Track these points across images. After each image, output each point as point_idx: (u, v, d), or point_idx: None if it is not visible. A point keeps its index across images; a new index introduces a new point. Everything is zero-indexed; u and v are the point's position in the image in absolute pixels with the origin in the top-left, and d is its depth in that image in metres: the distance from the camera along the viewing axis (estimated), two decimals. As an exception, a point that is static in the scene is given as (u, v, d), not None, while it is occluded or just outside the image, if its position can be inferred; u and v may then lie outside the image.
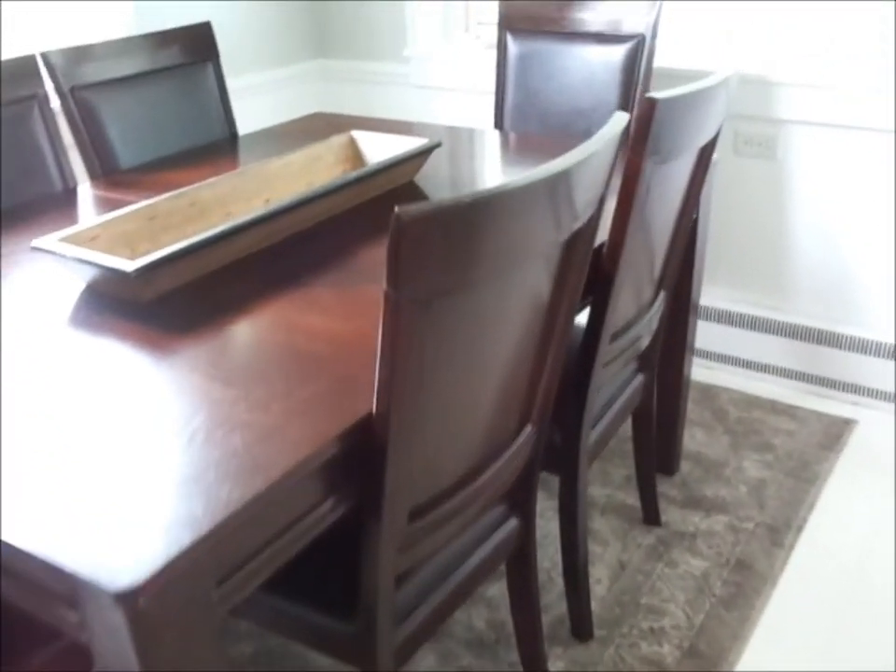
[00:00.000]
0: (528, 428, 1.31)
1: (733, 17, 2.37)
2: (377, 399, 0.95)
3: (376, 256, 1.45)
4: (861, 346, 2.41)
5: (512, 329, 1.10)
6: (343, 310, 1.26)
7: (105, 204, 1.76)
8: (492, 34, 2.73)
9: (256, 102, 2.72)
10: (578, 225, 1.08)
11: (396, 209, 0.82)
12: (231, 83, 2.35)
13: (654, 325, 1.73)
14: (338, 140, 1.82)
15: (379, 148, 1.83)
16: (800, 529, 2.01)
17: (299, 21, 2.93)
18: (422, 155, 1.75)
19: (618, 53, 2.25)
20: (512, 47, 2.40)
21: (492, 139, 2.20)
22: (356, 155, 1.84)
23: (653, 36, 2.21)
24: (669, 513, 2.06)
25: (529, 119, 2.40)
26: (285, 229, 1.49)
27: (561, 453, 1.55)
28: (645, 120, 1.26)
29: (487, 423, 1.18)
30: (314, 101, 3.02)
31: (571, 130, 2.33)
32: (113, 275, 1.23)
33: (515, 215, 0.94)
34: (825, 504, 2.08)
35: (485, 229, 0.90)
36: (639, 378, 1.81)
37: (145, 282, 1.24)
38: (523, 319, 1.11)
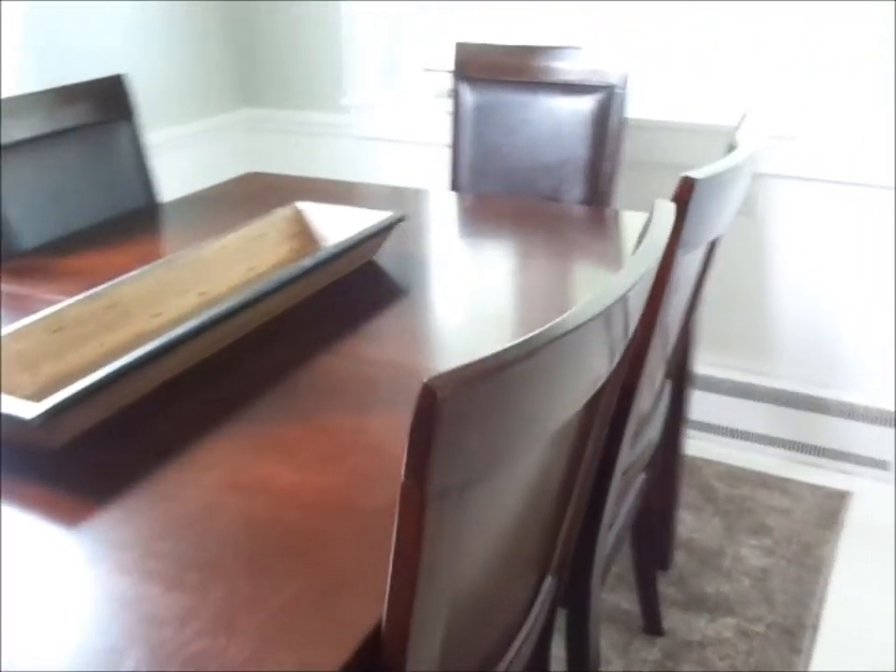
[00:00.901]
0: (548, 580, 1.06)
1: (707, 66, 2.19)
2: (389, 618, 0.68)
3: (343, 366, 1.18)
4: (852, 412, 2.23)
5: (544, 490, 0.84)
6: (313, 452, 0.99)
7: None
8: (442, 80, 2.50)
9: (175, 158, 2.43)
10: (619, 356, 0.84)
11: (424, 381, 0.57)
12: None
13: (663, 418, 1.50)
14: (282, 214, 1.55)
15: (330, 222, 1.57)
16: (815, 629, 1.79)
17: (221, 66, 2.66)
18: (385, 232, 1.50)
19: (587, 104, 2.04)
20: (469, 97, 2.17)
21: (449, 202, 1.96)
22: (303, 231, 1.58)
23: (625, 86, 2.00)
24: (671, 618, 1.83)
25: (489, 177, 2.17)
26: (227, 336, 1.21)
27: (568, 588, 1.30)
28: (681, 204, 1.03)
29: (508, 594, 0.92)
30: (241, 154, 2.74)
31: (537, 188, 2.11)
32: (8, 422, 0.94)
33: (569, 362, 0.69)
34: (835, 595, 1.88)
35: (534, 387, 0.65)
36: (642, 478, 1.58)
37: (51, 428, 0.95)
38: (555, 476, 0.86)
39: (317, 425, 1.04)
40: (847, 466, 2.28)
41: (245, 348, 1.23)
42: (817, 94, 2.06)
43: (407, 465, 0.60)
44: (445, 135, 2.36)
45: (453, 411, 0.58)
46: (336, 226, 1.56)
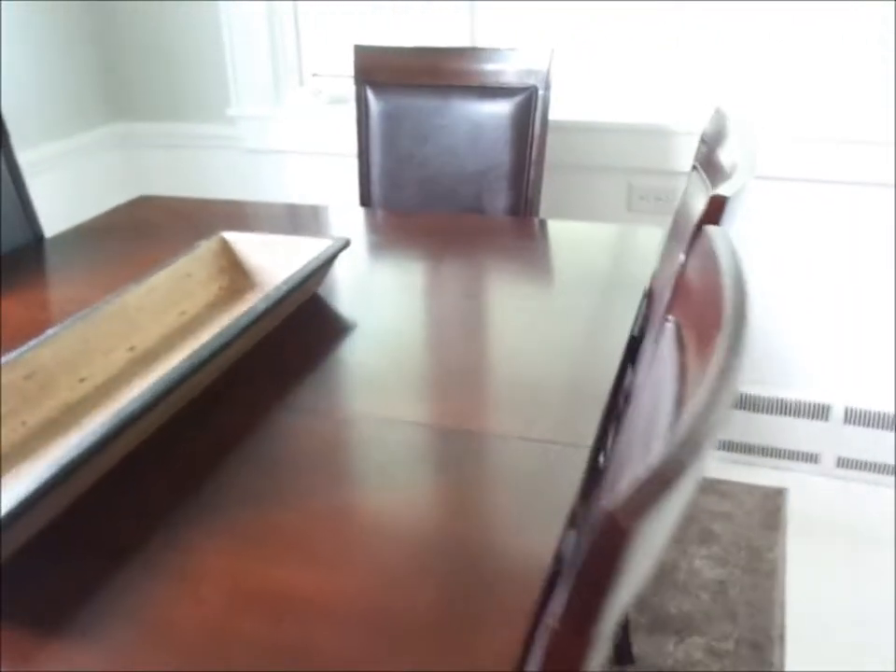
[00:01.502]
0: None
1: (629, 65, 2.12)
2: None
3: (312, 426, 1.02)
4: (780, 407, 2.22)
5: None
6: (320, 543, 0.82)
7: None
8: (334, 86, 2.33)
9: (40, 182, 2.16)
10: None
11: (605, 507, 0.43)
12: (22, 167, 1.80)
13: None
14: (207, 248, 1.36)
15: (261, 253, 1.39)
16: (782, 639, 1.76)
17: (85, 76, 2.39)
18: (331, 262, 1.33)
19: (506, 108, 1.93)
20: (375, 103, 2.02)
21: (364, 219, 1.80)
22: (231, 264, 1.39)
23: (547, 87, 1.90)
24: (638, 643, 1.75)
25: (404, 188, 2.02)
26: (172, 406, 1.03)
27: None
28: (713, 223, 0.92)
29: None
30: (117, 174, 2.48)
31: (458, 198, 1.98)
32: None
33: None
34: (795, 600, 1.85)
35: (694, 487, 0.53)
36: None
37: (-6, 552, 0.75)
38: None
39: (310, 505, 0.87)
40: (779, 462, 2.27)
41: (193, 415, 1.05)
42: (807, 93, 2.03)
43: (568, 611, 0.46)
44: (347, 145, 2.20)
45: (635, 542, 0.44)
46: (269, 257, 1.38)
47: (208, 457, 0.96)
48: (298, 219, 1.80)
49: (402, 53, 2.01)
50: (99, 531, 0.85)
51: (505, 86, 1.93)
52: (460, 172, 1.98)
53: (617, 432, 0.98)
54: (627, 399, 1.09)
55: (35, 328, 1.30)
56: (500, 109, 1.93)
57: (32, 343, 1.04)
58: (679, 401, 0.64)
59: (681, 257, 1.01)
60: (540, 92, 1.91)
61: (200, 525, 0.85)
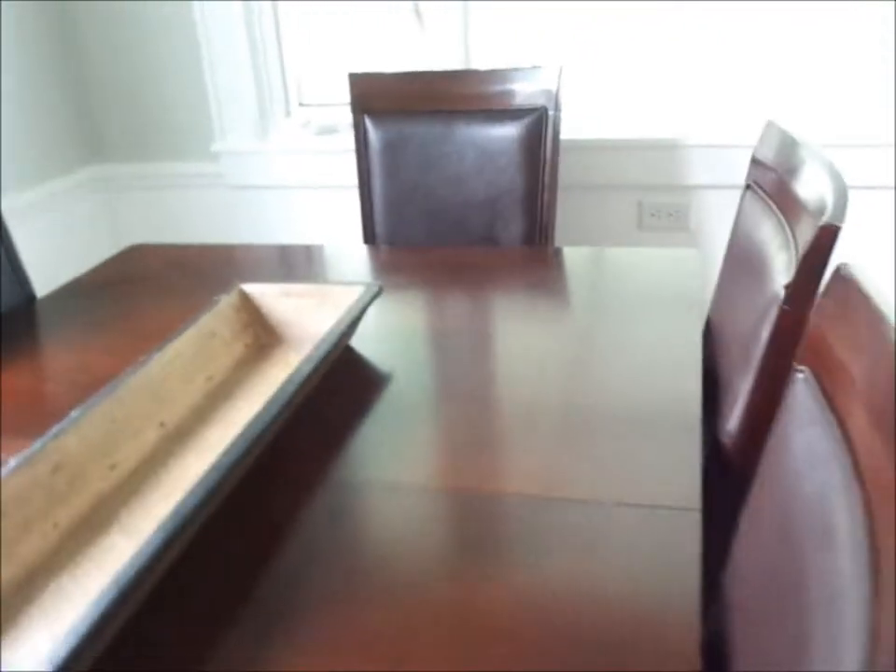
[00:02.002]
0: None
1: (631, 78, 2.05)
2: None
3: (378, 501, 0.91)
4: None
5: None
6: (433, 649, 0.71)
7: None
8: (323, 116, 2.23)
9: (25, 229, 2.02)
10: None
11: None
12: None
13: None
14: (229, 304, 1.24)
15: (284, 303, 1.28)
16: None
17: (63, 119, 2.26)
18: (364, 311, 1.23)
19: (515, 130, 1.84)
20: (374, 133, 1.91)
21: (363, 258, 1.69)
22: (254, 319, 1.28)
23: (556, 108, 1.82)
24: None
25: (410, 221, 1.92)
26: (222, 494, 0.91)
27: None
28: (824, 255, 0.83)
29: None
30: (98, 219, 2.35)
31: (469, 228, 1.89)
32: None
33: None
34: None
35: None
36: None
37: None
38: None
39: (405, 601, 0.76)
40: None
41: (241, 499, 0.93)
42: (813, 97, 1.96)
43: None
44: (341, 177, 2.10)
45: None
46: (294, 308, 1.27)
47: (267, 548, 0.84)
48: (304, 261, 1.69)
49: (400, 79, 1.91)
50: (149, 660, 0.73)
51: (513, 108, 1.84)
52: (469, 200, 1.88)
53: (725, 500, 0.88)
54: (719, 449, 1.00)
55: (40, 403, 1.18)
56: (509, 132, 1.84)
57: (54, 429, 0.92)
58: (866, 510, 0.55)
59: (778, 291, 0.92)
60: (551, 113, 1.82)
61: (278, 638, 0.73)
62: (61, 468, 0.90)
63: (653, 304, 1.34)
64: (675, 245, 2.08)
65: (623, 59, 2.02)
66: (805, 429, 0.72)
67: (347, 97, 1.91)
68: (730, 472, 0.97)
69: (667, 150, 2.01)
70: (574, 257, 1.64)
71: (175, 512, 0.77)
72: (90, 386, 1.15)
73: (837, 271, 0.73)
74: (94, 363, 1.28)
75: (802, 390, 0.75)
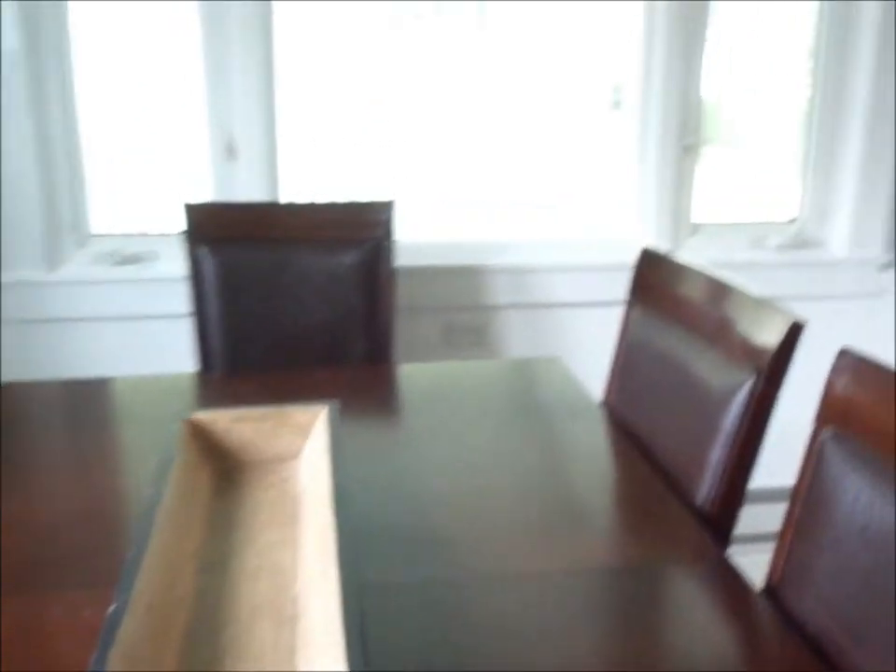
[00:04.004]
0: None
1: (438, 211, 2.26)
2: None
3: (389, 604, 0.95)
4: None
5: None
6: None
7: None
8: (121, 245, 2.17)
9: None
10: None
11: None
12: None
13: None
14: (182, 436, 1.20)
15: (239, 429, 1.26)
16: None
17: None
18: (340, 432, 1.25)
19: (352, 259, 1.95)
20: (211, 262, 1.91)
21: (191, 390, 1.68)
22: (217, 454, 1.24)
23: (390, 236, 1.97)
24: None
25: (251, 347, 1.93)
26: None
27: None
28: (790, 350, 1.07)
29: None
30: None
31: (312, 350, 1.94)
32: None
33: None
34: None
35: None
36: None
37: None
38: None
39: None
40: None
41: None
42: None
43: None
44: (157, 306, 2.06)
45: None
46: (250, 434, 1.26)
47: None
48: (129, 395, 1.62)
49: (241, 209, 1.95)
50: None
51: (350, 238, 1.95)
52: (311, 324, 1.94)
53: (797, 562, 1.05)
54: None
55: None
56: (347, 261, 1.95)
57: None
58: None
59: (740, 380, 1.13)
60: (385, 242, 1.96)
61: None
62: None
63: (549, 408, 1.51)
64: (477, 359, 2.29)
65: (426, 192, 2.24)
66: (851, 474, 0.92)
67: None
68: (708, 529, 1.14)
69: (470, 275, 2.23)
70: (420, 373, 1.75)
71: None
72: None
73: (843, 351, 0.96)
74: None
75: (832, 445, 0.96)
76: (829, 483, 0.95)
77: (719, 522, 1.16)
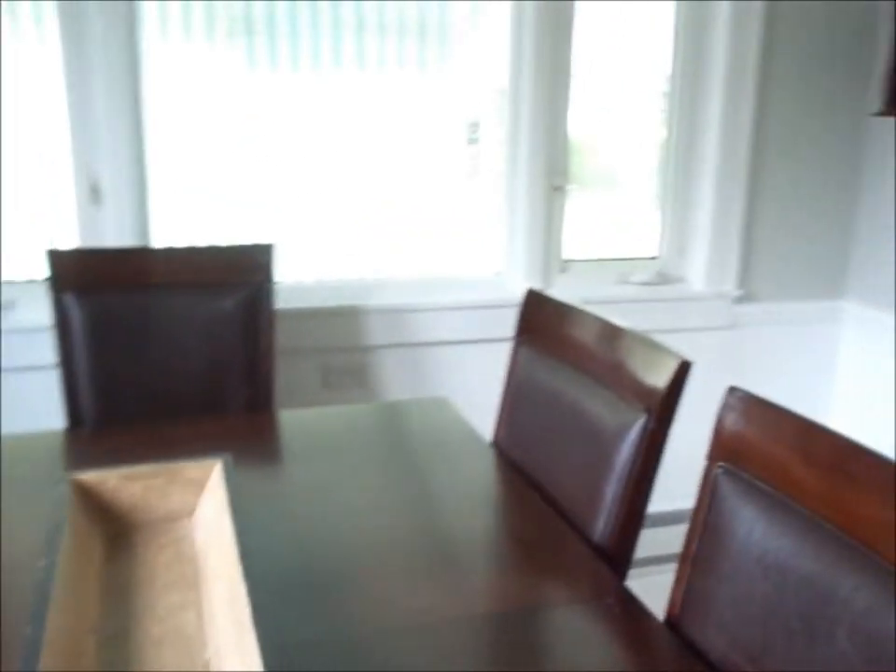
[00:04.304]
0: None
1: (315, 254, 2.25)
2: None
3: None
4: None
5: None
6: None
7: None
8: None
9: None
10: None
11: None
12: None
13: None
14: (70, 498, 1.15)
15: (128, 488, 1.21)
16: None
17: None
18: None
19: (232, 303, 1.91)
20: (78, 310, 1.84)
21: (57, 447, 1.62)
22: (106, 518, 1.19)
23: (271, 279, 1.94)
24: None
25: (124, 403, 1.85)
26: None
27: None
28: (680, 387, 1.12)
29: None
30: None
31: (189, 400, 1.89)
32: None
33: None
34: None
35: None
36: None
37: None
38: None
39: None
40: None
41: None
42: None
43: None
44: (25, 358, 1.96)
45: None
46: (141, 493, 1.21)
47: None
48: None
49: (107, 255, 1.88)
50: None
51: (229, 282, 1.92)
52: (188, 373, 1.88)
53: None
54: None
55: None
56: (226, 306, 1.91)
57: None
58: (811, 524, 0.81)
59: (630, 418, 1.18)
60: (265, 285, 1.94)
61: None
62: None
63: (439, 446, 1.52)
64: (357, 402, 2.29)
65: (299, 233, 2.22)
66: (745, 508, 0.98)
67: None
68: (606, 563, 1.18)
69: (348, 316, 2.23)
70: (305, 419, 1.72)
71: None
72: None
73: (732, 388, 1.02)
74: None
75: (724, 480, 1.01)
76: (725, 516, 1.00)
77: (616, 556, 1.20)
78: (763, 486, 0.97)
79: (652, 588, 1.12)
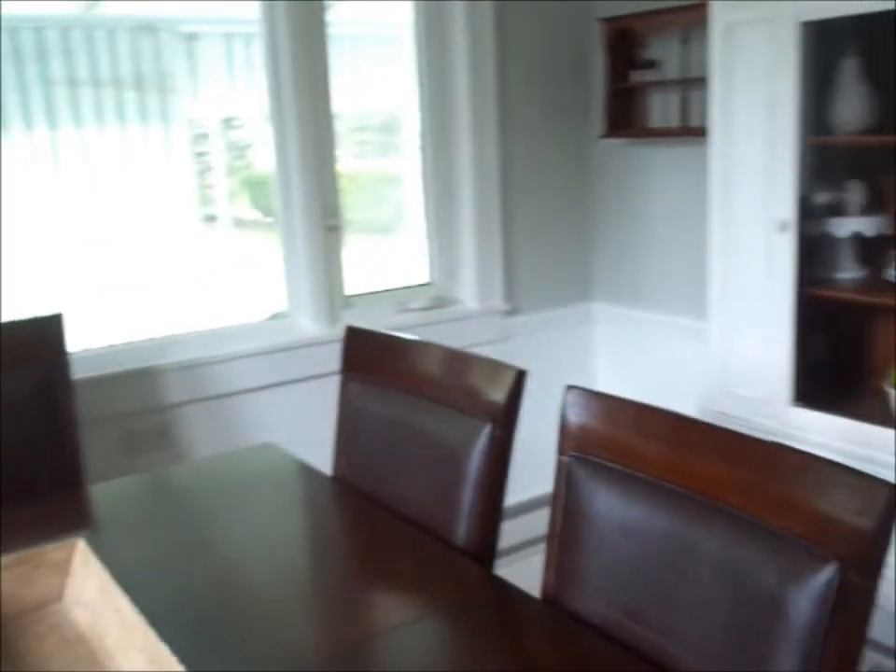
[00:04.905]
0: None
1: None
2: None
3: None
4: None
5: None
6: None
7: None
8: None
9: None
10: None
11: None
12: None
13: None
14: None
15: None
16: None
17: None
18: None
19: (27, 381, 1.83)
20: None
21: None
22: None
23: (65, 351, 1.88)
24: None
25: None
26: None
27: None
28: (519, 393, 1.27)
29: None
30: None
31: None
32: None
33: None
34: None
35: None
36: None
37: None
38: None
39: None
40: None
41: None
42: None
43: None
44: None
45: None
46: (12, 586, 1.16)
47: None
48: None
49: None
50: None
51: (21, 359, 1.83)
52: (-12, 460, 1.77)
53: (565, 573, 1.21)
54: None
55: None
56: (22, 385, 1.82)
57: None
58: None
59: (476, 426, 1.31)
60: (60, 358, 1.87)
61: None
62: None
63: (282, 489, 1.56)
64: (164, 463, 2.24)
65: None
66: (599, 488, 1.13)
67: None
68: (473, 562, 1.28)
69: (143, 377, 2.18)
70: (129, 489, 1.66)
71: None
72: None
73: (569, 387, 1.18)
74: None
75: (576, 468, 1.16)
76: (583, 498, 1.15)
77: (480, 551, 1.31)
78: (613, 466, 1.12)
79: (523, 572, 1.25)
